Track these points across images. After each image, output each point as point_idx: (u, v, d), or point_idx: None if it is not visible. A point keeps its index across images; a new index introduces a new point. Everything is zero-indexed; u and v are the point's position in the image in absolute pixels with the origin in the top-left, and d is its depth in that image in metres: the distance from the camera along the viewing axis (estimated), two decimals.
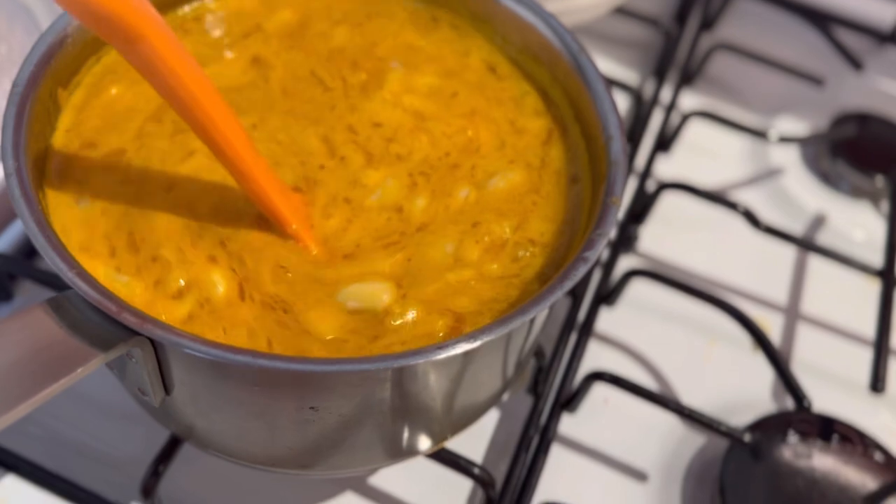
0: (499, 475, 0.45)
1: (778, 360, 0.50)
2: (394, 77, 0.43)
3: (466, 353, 0.31)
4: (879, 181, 0.62)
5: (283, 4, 0.45)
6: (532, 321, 0.37)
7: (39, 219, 0.32)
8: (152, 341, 0.31)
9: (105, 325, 0.30)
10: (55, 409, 0.46)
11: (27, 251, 0.51)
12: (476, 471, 0.42)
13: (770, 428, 0.47)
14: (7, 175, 0.33)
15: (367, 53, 0.44)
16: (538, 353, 0.48)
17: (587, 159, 0.40)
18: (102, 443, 0.45)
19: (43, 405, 0.28)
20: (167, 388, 0.34)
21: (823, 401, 0.50)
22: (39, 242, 0.31)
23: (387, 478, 0.46)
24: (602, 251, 0.34)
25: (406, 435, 0.38)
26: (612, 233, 0.34)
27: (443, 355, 0.31)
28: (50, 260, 0.30)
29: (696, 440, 0.50)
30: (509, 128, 0.42)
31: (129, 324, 0.30)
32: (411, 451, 0.40)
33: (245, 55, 0.43)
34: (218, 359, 0.29)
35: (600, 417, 0.50)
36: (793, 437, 0.47)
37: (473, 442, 0.48)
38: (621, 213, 0.58)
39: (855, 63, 0.70)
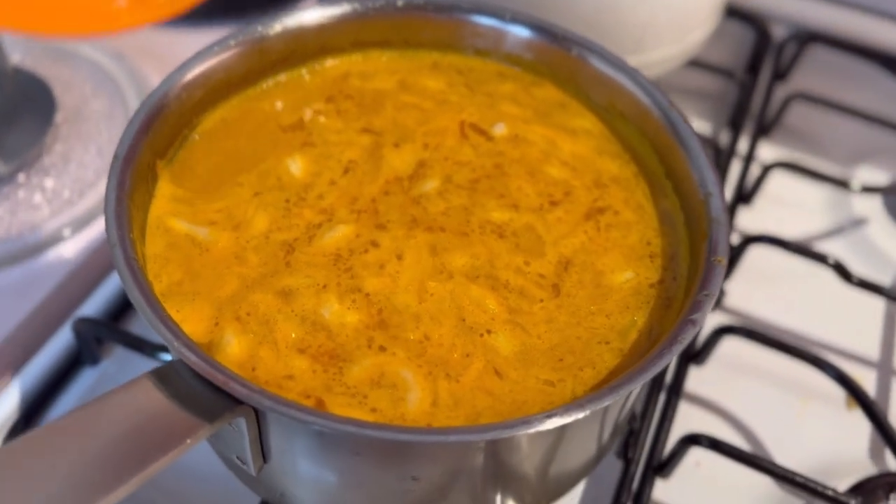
0: None
1: (879, 418, 0.47)
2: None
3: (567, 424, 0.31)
4: None
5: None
6: None
7: (144, 289, 0.32)
8: (256, 411, 0.31)
9: (211, 396, 0.30)
10: None
11: (114, 314, 0.51)
12: None
13: (873, 490, 0.45)
14: (111, 245, 0.33)
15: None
16: (630, 416, 0.47)
17: (682, 218, 0.39)
18: None
19: None
20: (265, 457, 0.33)
21: None
22: (146, 313, 0.31)
23: None
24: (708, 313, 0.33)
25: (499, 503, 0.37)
26: (718, 294, 0.33)
27: (547, 426, 0.30)
28: (157, 330, 0.30)
29: None
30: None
31: (237, 394, 0.29)
32: None
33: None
34: (325, 428, 0.28)
35: (693, 482, 0.48)
36: None
37: None
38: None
39: None
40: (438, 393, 0.34)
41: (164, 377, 0.30)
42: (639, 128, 0.43)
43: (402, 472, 0.32)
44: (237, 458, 0.34)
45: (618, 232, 0.39)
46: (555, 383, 0.34)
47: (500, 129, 0.44)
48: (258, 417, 0.31)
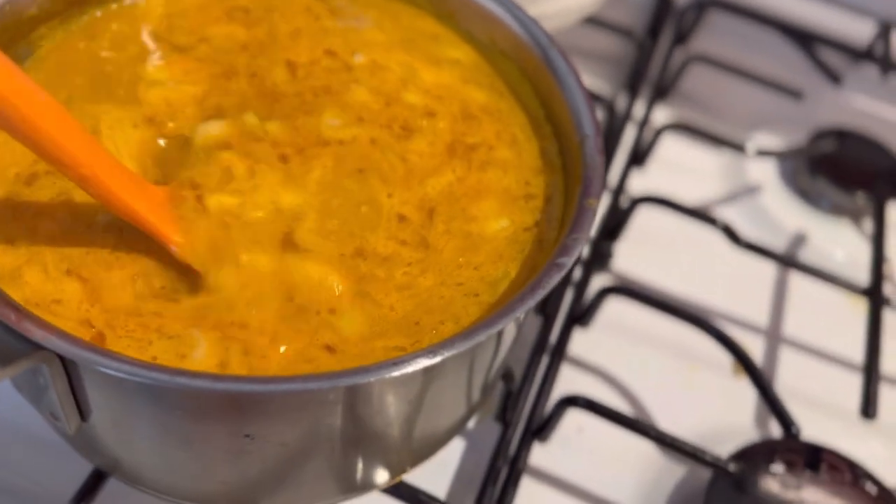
0: None
1: (763, 385, 0.46)
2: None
3: (427, 371, 0.28)
4: (860, 198, 0.60)
5: None
6: (500, 336, 0.34)
7: None
8: (61, 357, 0.27)
9: (4, 338, 0.26)
10: None
11: None
12: None
13: (754, 457, 0.44)
14: None
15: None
16: (506, 375, 0.44)
17: (561, 162, 0.37)
18: (21, 476, 0.41)
19: None
20: (83, 414, 0.29)
21: (810, 428, 0.47)
22: None
23: None
24: (577, 260, 0.31)
25: (360, 466, 0.34)
26: (588, 238, 0.31)
27: (398, 372, 0.27)
28: None
29: (675, 471, 0.46)
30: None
31: (32, 336, 0.25)
32: (366, 485, 0.36)
33: None
34: (131, 377, 0.24)
35: (574, 447, 0.46)
36: (778, 467, 0.44)
37: (436, 474, 0.44)
38: (593, 229, 0.54)
39: (833, 77, 0.68)
40: (229, 360, 0.29)
41: None
42: (520, 67, 0.40)
43: (233, 430, 0.28)
44: (51, 414, 0.30)
45: (493, 172, 0.36)
46: (406, 348, 0.31)
47: (358, 59, 0.40)
48: (66, 366, 0.27)
